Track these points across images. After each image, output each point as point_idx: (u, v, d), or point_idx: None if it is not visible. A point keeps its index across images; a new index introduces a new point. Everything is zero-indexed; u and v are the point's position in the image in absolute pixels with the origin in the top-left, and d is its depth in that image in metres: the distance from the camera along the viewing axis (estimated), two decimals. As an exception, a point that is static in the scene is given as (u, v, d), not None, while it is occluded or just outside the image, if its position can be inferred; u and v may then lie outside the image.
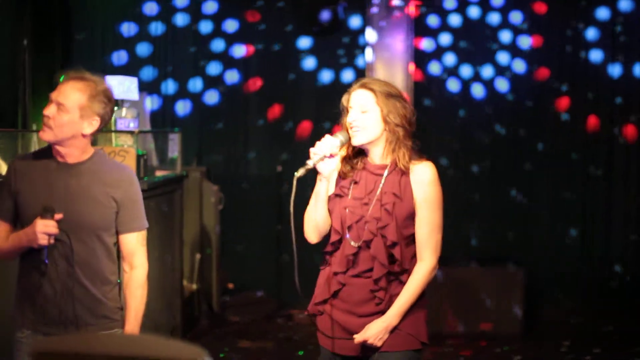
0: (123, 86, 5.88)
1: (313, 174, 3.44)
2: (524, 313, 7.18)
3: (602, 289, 7.84)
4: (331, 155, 3.37)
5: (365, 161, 3.46)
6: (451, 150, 8.00)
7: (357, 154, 3.47)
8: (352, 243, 3.39)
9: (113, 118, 5.83)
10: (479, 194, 8.02)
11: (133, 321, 3.52)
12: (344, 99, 3.46)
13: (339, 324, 3.46)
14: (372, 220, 3.36)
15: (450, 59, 7.95)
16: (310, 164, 3.35)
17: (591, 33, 7.82)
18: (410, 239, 3.41)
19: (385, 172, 3.40)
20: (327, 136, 3.41)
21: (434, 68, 7.97)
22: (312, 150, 3.37)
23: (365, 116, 3.37)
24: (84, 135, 3.42)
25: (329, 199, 3.47)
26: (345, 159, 3.48)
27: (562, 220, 7.94)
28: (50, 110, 3.37)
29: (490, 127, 7.99)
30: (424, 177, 3.39)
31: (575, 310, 7.75)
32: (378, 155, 3.43)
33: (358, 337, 3.38)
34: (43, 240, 3.31)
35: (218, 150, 8.26)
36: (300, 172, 3.32)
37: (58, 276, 3.40)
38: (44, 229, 3.30)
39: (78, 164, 3.45)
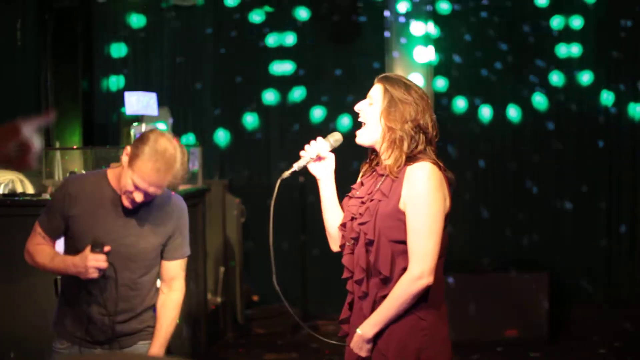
0: (142, 102, 5.90)
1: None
2: (550, 318, 7.10)
3: (631, 293, 7.75)
4: (319, 158, 3.34)
5: (378, 163, 3.35)
6: (474, 153, 7.95)
7: (373, 155, 3.37)
8: (348, 243, 3.31)
9: (133, 134, 5.86)
10: (504, 196, 7.96)
11: (162, 340, 3.65)
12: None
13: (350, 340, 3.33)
14: (358, 216, 3.25)
15: (470, 66, 7.92)
16: (295, 167, 3.35)
17: None
18: (401, 248, 3.15)
19: (385, 174, 3.27)
20: (319, 138, 3.39)
21: (454, 75, 7.93)
22: (301, 153, 3.36)
23: (370, 109, 3.27)
24: None
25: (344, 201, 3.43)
26: (367, 162, 3.40)
27: (589, 224, 7.86)
28: (140, 198, 3.41)
29: (514, 130, 7.95)
30: (414, 175, 3.14)
31: (603, 315, 7.65)
32: (385, 157, 3.28)
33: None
34: (94, 274, 3.38)
35: (240, 163, 8.26)
36: (286, 174, 3.33)
37: (104, 302, 3.51)
38: (95, 264, 3.37)
39: None
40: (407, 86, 3.25)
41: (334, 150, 3.43)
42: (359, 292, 3.25)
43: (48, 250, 3.55)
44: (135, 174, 3.35)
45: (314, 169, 3.37)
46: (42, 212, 3.64)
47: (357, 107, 3.32)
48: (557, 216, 7.92)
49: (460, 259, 7.47)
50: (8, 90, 7.23)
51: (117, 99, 7.50)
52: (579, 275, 7.80)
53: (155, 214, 3.54)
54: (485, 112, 7.97)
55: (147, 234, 3.53)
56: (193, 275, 6.40)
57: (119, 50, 8.05)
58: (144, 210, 3.52)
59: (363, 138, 3.30)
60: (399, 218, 3.15)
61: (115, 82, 7.97)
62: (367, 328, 3.19)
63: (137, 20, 8.12)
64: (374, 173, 3.33)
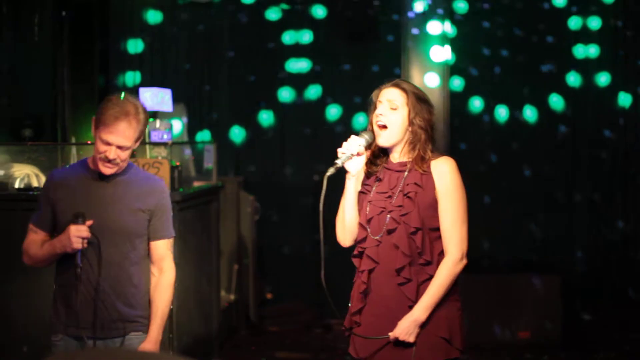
0: (157, 98, 5.90)
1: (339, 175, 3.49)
2: (564, 321, 7.06)
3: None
4: (358, 154, 3.47)
5: (387, 160, 3.56)
6: (488, 153, 7.92)
7: (380, 153, 3.57)
8: (373, 237, 3.46)
9: (147, 130, 5.86)
10: (518, 197, 7.93)
11: (159, 321, 3.75)
12: (374, 94, 3.56)
13: (375, 332, 3.46)
14: (395, 209, 3.44)
15: (486, 65, 7.89)
16: (339, 162, 3.46)
17: None
18: (436, 235, 3.44)
19: (407, 169, 3.49)
20: (353, 136, 3.51)
21: (471, 74, 7.90)
22: (339, 150, 3.47)
23: (393, 113, 3.47)
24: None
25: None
26: (369, 159, 3.58)
27: (603, 227, 7.81)
28: (113, 154, 3.58)
29: (530, 131, 7.91)
30: (443, 169, 3.44)
31: (617, 319, 7.60)
32: (400, 155, 3.54)
33: (391, 335, 3.41)
34: (77, 244, 3.53)
35: (255, 160, 8.27)
36: (330, 171, 3.44)
37: (91, 279, 3.61)
38: (77, 233, 3.53)
39: (116, 175, 3.69)
40: (417, 87, 3.55)
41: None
42: (399, 279, 3.40)
43: (38, 241, 3.69)
44: (100, 131, 3.56)
45: (350, 165, 3.49)
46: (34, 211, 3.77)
47: (378, 112, 3.48)
48: (571, 218, 7.87)
49: (474, 259, 7.43)
50: (25, 85, 7.26)
51: (133, 95, 7.50)
52: (592, 278, 7.75)
53: (135, 191, 3.70)
54: (501, 112, 7.94)
55: (128, 209, 3.67)
56: (206, 272, 6.40)
57: (135, 46, 8.06)
58: (126, 188, 3.69)
59: (386, 140, 3.50)
60: (436, 207, 3.43)
61: (131, 78, 7.98)
62: (420, 312, 3.39)
63: (153, 17, 8.13)
64: (385, 170, 3.52)
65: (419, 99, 3.48)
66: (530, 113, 7.92)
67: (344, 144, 3.48)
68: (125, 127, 3.57)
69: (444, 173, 3.44)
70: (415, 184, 3.43)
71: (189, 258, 5.91)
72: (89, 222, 3.57)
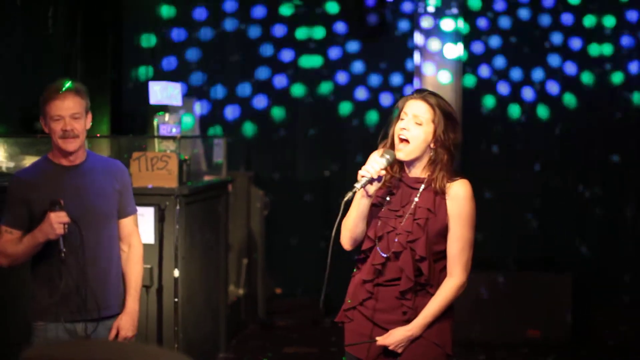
0: (166, 92, 5.91)
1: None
2: (574, 319, 7.02)
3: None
4: (379, 177, 3.34)
5: (402, 172, 3.44)
6: (497, 154, 7.89)
7: (396, 164, 3.43)
8: (381, 253, 3.40)
9: (156, 124, 5.88)
10: (529, 195, 7.90)
11: (134, 292, 3.97)
12: (399, 103, 3.44)
13: (365, 331, 3.46)
14: (404, 233, 3.36)
15: (499, 61, 7.85)
16: (358, 186, 3.32)
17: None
18: (440, 255, 3.40)
19: (422, 187, 3.38)
20: (374, 156, 3.36)
21: (484, 71, 7.87)
22: (360, 172, 3.33)
23: (417, 128, 3.34)
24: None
25: None
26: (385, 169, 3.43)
27: (614, 225, 7.76)
28: (68, 124, 3.75)
29: (541, 129, 7.87)
30: (459, 193, 3.36)
31: (627, 317, 7.56)
32: (417, 169, 3.41)
33: (380, 340, 3.39)
34: (60, 230, 3.65)
35: (266, 155, 8.27)
36: (348, 196, 3.32)
37: (74, 263, 3.74)
38: (57, 219, 3.65)
39: (81, 163, 3.87)
40: (447, 102, 3.42)
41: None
42: (399, 295, 3.38)
43: (14, 240, 3.77)
44: (48, 112, 3.74)
45: (368, 187, 3.36)
46: (2, 214, 3.85)
47: (403, 126, 3.36)
48: (582, 217, 7.83)
49: (484, 258, 7.42)
50: (37, 78, 7.29)
51: (146, 89, 7.53)
52: (603, 277, 7.71)
53: (103, 174, 3.89)
54: (514, 110, 7.90)
55: (102, 192, 3.86)
56: (214, 266, 6.41)
57: (148, 40, 8.08)
58: (94, 173, 3.87)
59: (406, 154, 3.37)
60: (445, 235, 3.39)
61: (144, 72, 8.01)
62: (417, 329, 3.38)
63: (166, 11, 8.15)
64: (400, 183, 3.42)
65: (446, 116, 3.35)
66: (543, 111, 7.87)
67: (366, 165, 3.33)
68: (69, 97, 3.75)
69: (459, 198, 3.35)
70: (428, 209, 3.35)
71: (196, 251, 5.92)
72: (63, 204, 3.71)
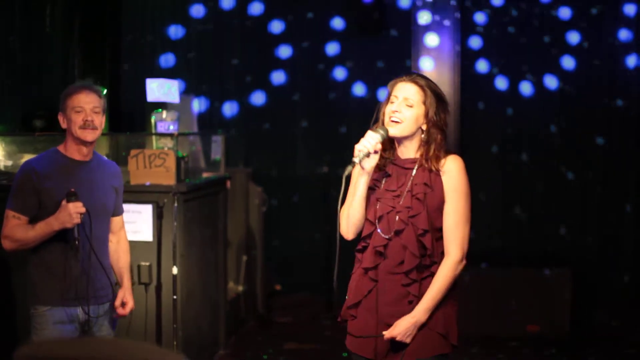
0: (164, 89, 5.91)
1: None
2: (573, 314, 7.02)
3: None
4: (375, 152, 3.39)
5: (394, 154, 3.50)
6: (497, 147, 7.88)
7: (388, 145, 3.49)
8: (383, 235, 3.41)
9: (153, 121, 5.88)
10: (530, 191, 7.89)
11: (128, 273, 4.33)
12: (389, 85, 3.48)
13: (370, 329, 3.43)
14: (404, 209, 3.39)
15: (497, 56, 7.84)
16: (356, 161, 3.37)
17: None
18: (441, 234, 3.42)
19: (415, 166, 3.43)
20: (369, 132, 3.41)
21: (482, 66, 7.86)
22: (356, 147, 3.38)
23: (408, 110, 3.40)
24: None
25: None
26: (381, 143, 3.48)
27: (615, 220, 7.76)
28: (89, 115, 4.00)
29: (539, 123, 7.85)
30: (453, 168, 3.41)
31: (627, 312, 7.56)
32: (408, 150, 3.47)
33: (387, 334, 3.37)
34: (77, 219, 3.86)
35: (265, 152, 8.27)
36: (348, 170, 3.37)
37: (85, 252, 3.96)
38: (76, 209, 3.86)
39: (90, 160, 4.10)
40: (436, 84, 3.46)
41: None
42: (405, 280, 3.39)
43: (22, 225, 3.96)
44: (69, 105, 3.98)
45: (366, 162, 3.39)
46: (9, 200, 4.01)
47: (393, 109, 3.40)
48: (583, 212, 7.81)
49: (484, 252, 7.43)
50: (36, 75, 7.30)
51: (143, 86, 7.53)
52: (603, 272, 7.70)
53: (107, 173, 4.18)
54: (513, 103, 7.89)
55: (108, 188, 4.14)
56: (212, 263, 6.41)
57: (145, 37, 8.08)
58: (100, 171, 4.12)
59: (400, 131, 3.42)
60: (442, 208, 3.42)
61: (142, 68, 8.00)
62: (422, 314, 3.37)
63: (163, 9, 8.15)
64: (393, 166, 3.47)
65: (437, 97, 3.41)
66: (551, 103, 7.85)
67: (362, 140, 3.38)
68: (90, 92, 4.02)
69: (453, 172, 3.40)
70: (425, 184, 3.39)
71: (195, 248, 5.92)
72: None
